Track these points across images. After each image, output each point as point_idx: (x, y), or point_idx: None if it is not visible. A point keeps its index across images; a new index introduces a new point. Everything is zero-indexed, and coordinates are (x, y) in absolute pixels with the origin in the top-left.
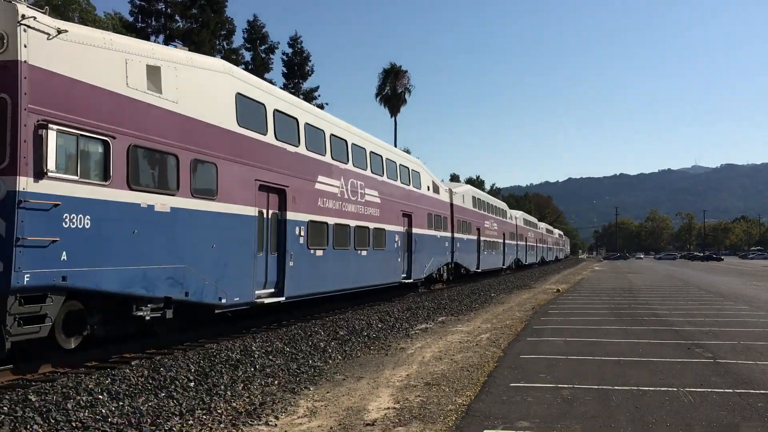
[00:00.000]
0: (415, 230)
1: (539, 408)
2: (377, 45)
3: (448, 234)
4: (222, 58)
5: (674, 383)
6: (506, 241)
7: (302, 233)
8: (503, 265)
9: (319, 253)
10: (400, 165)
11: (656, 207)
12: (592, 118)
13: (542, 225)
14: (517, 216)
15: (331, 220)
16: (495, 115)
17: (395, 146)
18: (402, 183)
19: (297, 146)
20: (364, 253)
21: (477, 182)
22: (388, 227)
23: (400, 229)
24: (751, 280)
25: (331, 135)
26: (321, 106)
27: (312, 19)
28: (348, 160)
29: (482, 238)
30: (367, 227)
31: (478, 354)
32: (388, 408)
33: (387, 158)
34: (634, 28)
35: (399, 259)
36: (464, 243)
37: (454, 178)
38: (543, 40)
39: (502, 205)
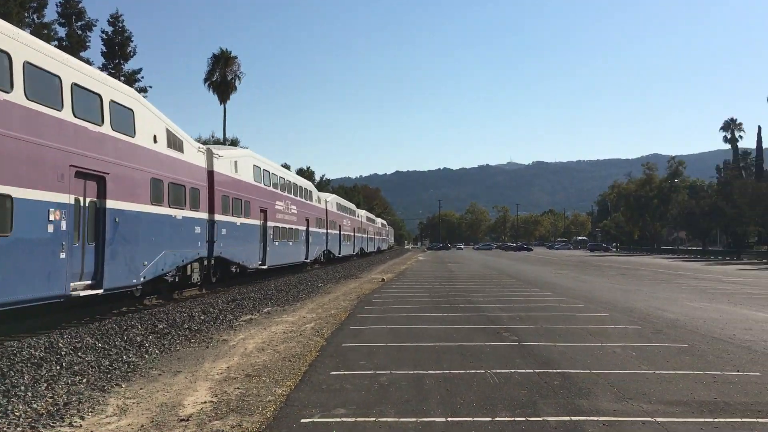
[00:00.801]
0: (115, 204)
1: (357, 395)
2: (209, 30)
3: (204, 215)
4: (32, 33)
5: (483, 366)
6: (311, 229)
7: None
8: (306, 258)
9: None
10: (302, 187)
11: (476, 200)
12: (417, 114)
13: (362, 212)
14: (329, 200)
15: (279, 224)
16: (327, 107)
17: (224, 135)
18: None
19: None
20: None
21: (307, 173)
22: (299, 227)
23: (304, 228)
24: (556, 268)
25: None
26: (144, 89)
27: None
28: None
29: (271, 224)
30: (291, 227)
31: (301, 344)
32: (205, 402)
33: (295, 183)
34: (452, 30)
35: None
36: (236, 229)
37: (286, 168)
38: (378, 31)
39: (308, 184)
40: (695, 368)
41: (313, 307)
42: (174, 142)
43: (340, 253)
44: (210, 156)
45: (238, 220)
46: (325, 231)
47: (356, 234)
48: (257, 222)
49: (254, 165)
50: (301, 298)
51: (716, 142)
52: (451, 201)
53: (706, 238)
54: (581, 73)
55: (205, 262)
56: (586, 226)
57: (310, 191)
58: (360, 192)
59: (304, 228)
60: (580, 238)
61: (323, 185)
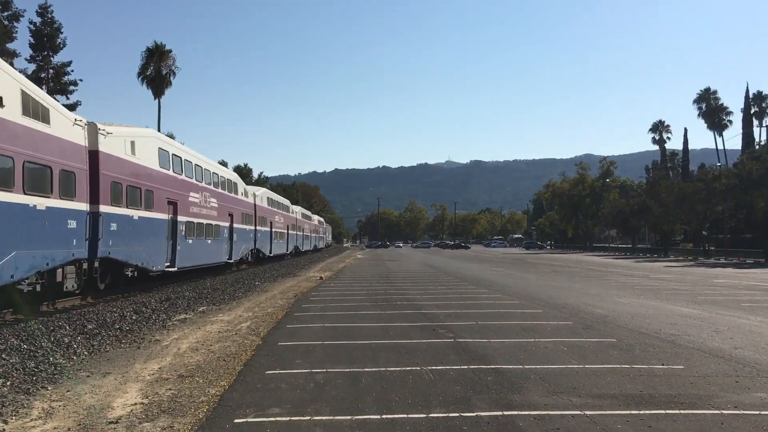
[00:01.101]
0: (236, 225)
1: (292, 393)
2: (144, 23)
3: (83, 206)
4: None
5: (418, 363)
6: (236, 225)
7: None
8: (230, 258)
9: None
10: (228, 179)
11: (414, 198)
12: (356, 112)
13: (297, 209)
14: (258, 194)
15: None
16: (265, 104)
17: (158, 129)
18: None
19: None
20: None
21: (245, 170)
22: (221, 223)
23: (227, 224)
24: (491, 266)
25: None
26: (74, 82)
27: None
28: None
29: (183, 218)
30: (210, 223)
31: (236, 343)
32: (136, 404)
33: (221, 175)
34: (391, 27)
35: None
36: (133, 224)
37: (223, 165)
38: (308, 24)
39: (232, 175)
40: (623, 362)
41: (250, 305)
42: (35, 110)
43: (271, 252)
44: (94, 131)
45: (136, 213)
46: (253, 228)
47: (290, 231)
48: (164, 216)
49: (160, 148)
50: (237, 296)
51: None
52: (390, 199)
53: (636, 236)
54: (517, 74)
55: (85, 265)
56: (522, 224)
57: (235, 183)
58: (299, 190)
59: (227, 224)
60: (516, 236)
61: (261, 182)
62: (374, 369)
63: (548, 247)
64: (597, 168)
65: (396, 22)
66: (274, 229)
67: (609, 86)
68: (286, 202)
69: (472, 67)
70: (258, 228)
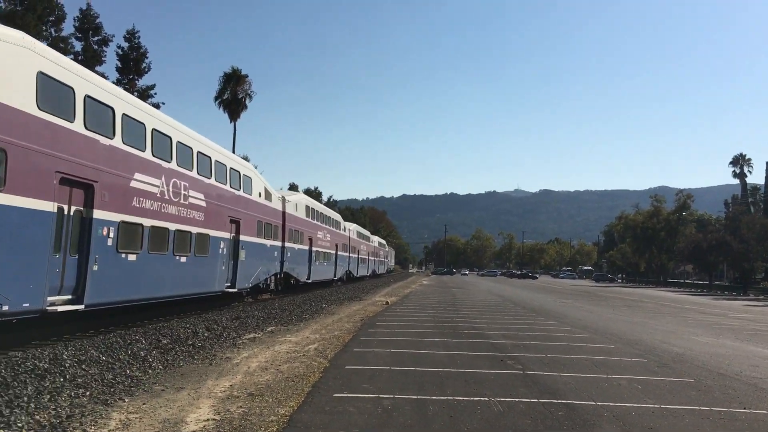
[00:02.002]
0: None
1: (360, 418)
2: (221, 48)
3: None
4: (49, 45)
5: (486, 393)
6: (339, 253)
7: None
8: (335, 276)
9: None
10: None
11: (482, 226)
12: (425, 138)
13: (375, 238)
14: (351, 228)
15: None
16: (335, 128)
17: (233, 152)
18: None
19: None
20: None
21: (315, 193)
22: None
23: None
24: (560, 297)
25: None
26: (157, 105)
27: (153, 15)
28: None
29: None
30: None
31: (304, 364)
32: (208, 420)
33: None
34: (461, 55)
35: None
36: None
37: (293, 188)
38: (381, 56)
39: (337, 216)
40: (701, 404)
41: (317, 327)
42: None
43: (357, 274)
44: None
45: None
46: (347, 255)
47: (370, 257)
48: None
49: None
50: (304, 318)
51: (725, 177)
52: (456, 226)
53: (713, 273)
54: (591, 102)
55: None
56: (591, 256)
57: (338, 221)
58: (367, 214)
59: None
60: (585, 267)
61: (330, 206)
62: (442, 397)
63: (619, 281)
64: (672, 201)
65: (467, 50)
66: (359, 256)
67: (688, 116)
68: (367, 233)
69: (542, 95)
70: (350, 255)
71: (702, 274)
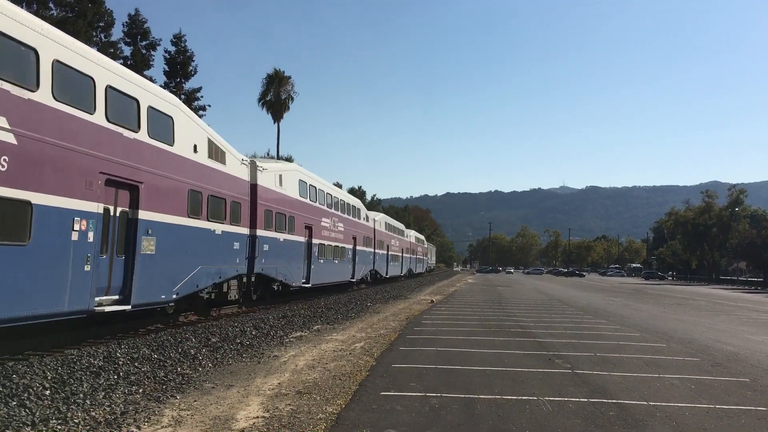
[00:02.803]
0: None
1: (407, 416)
2: (264, 49)
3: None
4: (99, 50)
5: (535, 392)
6: (358, 248)
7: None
8: (352, 277)
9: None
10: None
11: (527, 224)
12: (469, 135)
13: (411, 233)
14: (377, 219)
15: None
16: (379, 127)
17: (277, 153)
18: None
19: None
20: None
21: (359, 192)
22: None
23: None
24: (608, 295)
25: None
26: (203, 107)
27: (199, 17)
28: None
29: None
30: None
31: (351, 363)
32: (258, 417)
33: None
34: (504, 52)
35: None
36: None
37: (337, 186)
38: (426, 54)
39: (356, 201)
40: (758, 404)
41: (363, 326)
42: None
43: (387, 274)
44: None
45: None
46: (372, 250)
47: (404, 255)
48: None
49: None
50: (350, 317)
51: None
52: (501, 224)
53: None
54: (638, 96)
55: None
56: (640, 253)
57: (359, 209)
58: (411, 213)
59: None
60: (634, 265)
61: (374, 205)
62: (489, 396)
63: (670, 278)
64: (725, 196)
65: (510, 49)
66: (390, 252)
67: (740, 109)
68: (401, 226)
69: (588, 88)
70: (376, 251)
71: (756, 271)
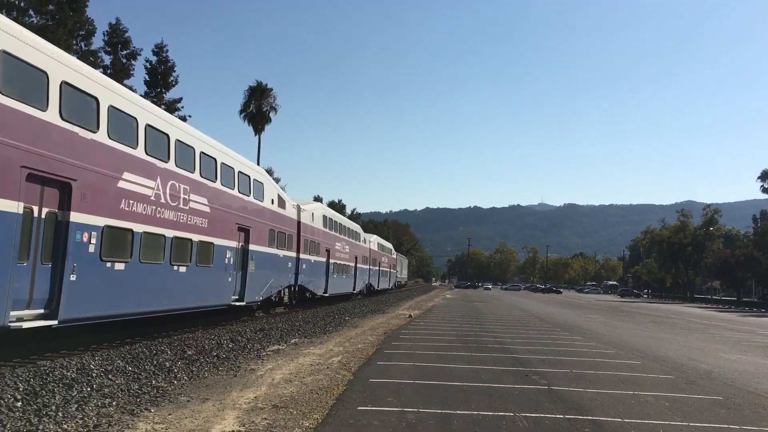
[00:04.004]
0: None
1: (384, 431)
2: (244, 62)
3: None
4: (79, 58)
5: (511, 408)
6: (358, 265)
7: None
8: (354, 289)
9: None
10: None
11: (505, 240)
12: (448, 151)
13: (394, 253)
14: (372, 240)
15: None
16: (358, 141)
17: (258, 164)
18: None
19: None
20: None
21: (339, 206)
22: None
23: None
24: (585, 312)
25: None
26: (184, 118)
27: (179, 29)
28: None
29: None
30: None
31: (328, 377)
32: (233, 431)
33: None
34: (484, 67)
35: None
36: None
37: (318, 200)
38: (412, 67)
39: (356, 227)
40: (731, 422)
41: (340, 340)
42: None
43: (378, 287)
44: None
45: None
46: (368, 267)
47: (391, 270)
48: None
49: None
50: (328, 330)
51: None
52: (480, 239)
53: (741, 289)
54: (615, 116)
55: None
56: (617, 270)
57: (358, 233)
58: (390, 227)
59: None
60: (610, 282)
61: (354, 218)
62: (466, 412)
63: (645, 296)
64: (700, 216)
65: (488, 62)
66: (381, 268)
67: (715, 130)
68: (389, 246)
69: (566, 108)
70: (371, 267)
71: (730, 290)
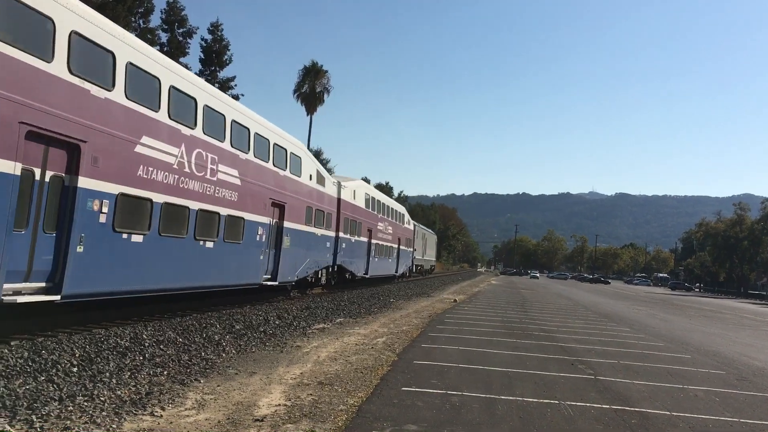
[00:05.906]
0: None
1: (428, 413)
2: (300, 42)
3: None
4: (137, 36)
5: (556, 396)
6: (401, 247)
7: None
8: (396, 272)
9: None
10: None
11: (554, 228)
12: (498, 136)
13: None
14: (415, 223)
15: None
16: (408, 125)
17: (308, 145)
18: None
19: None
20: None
21: (386, 188)
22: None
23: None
24: (634, 304)
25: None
26: (236, 97)
27: (237, 8)
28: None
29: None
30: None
31: (373, 357)
32: (279, 405)
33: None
34: (537, 57)
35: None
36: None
37: (366, 181)
38: (465, 54)
39: (401, 208)
40: None
41: (385, 321)
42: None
43: (414, 270)
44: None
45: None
46: (411, 249)
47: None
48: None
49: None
50: (373, 311)
51: None
52: (527, 227)
53: None
54: (672, 105)
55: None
56: (668, 263)
57: (403, 214)
58: (437, 211)
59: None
60: (661, 275)
61: (401, 201)
62: (511, 397)
63: (696, 290)
64: (758, 209)
65: (540, 49)
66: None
67: None
68: (431, 231)
69: (620, 95)
70: (414, 250)
71: None
